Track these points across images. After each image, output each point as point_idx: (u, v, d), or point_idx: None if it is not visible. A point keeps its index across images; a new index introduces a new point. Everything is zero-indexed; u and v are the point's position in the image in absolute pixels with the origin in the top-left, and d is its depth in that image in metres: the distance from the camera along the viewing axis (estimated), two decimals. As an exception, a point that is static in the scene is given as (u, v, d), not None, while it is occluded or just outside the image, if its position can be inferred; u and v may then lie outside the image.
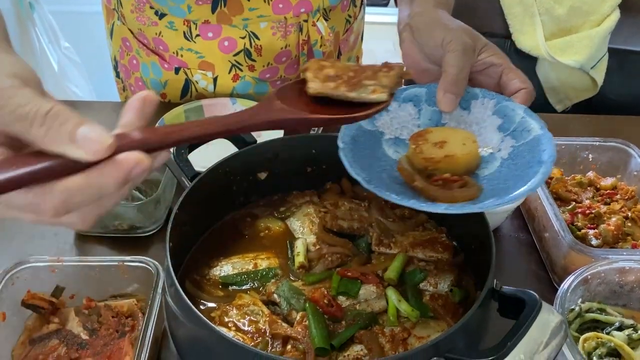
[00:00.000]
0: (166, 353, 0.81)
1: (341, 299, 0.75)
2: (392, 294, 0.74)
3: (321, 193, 0.93)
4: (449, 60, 0.78)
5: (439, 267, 0.79)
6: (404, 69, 0.66)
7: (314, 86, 0.61)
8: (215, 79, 1.28)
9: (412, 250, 0.80)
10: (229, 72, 1.26)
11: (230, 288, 0.79)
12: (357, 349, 0.68)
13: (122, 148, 0.45)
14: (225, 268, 0.82)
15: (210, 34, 1.20)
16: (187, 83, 1.30)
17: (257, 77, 1.27)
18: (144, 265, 0.79)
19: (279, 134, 1.19)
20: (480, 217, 0.74)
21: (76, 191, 0.45)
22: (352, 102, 0.62)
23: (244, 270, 0.81)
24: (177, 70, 1.28)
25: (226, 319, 0.73)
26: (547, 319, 0.59)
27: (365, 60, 1.61)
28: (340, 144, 0.73)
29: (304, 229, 0.87)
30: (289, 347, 0.69)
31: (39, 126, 0.43)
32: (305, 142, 0.92)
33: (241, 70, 1.26)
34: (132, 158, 0.45)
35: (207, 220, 0.88)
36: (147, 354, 0.69)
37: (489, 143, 0.77)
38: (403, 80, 0.66)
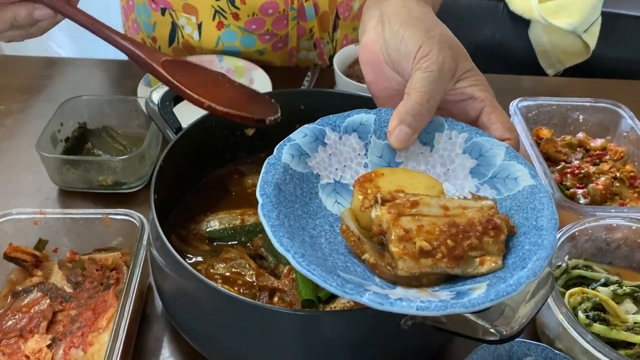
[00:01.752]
0: (152, 307, 0.80)
1: (328, 253, 0.74)
2: None
3: None
4: (417, 82, 0.59)
5: None
6: (508, 220, 0.52)
7: (407, 266, 0.49)
8: (199, 26, 1.26)
9: None
10: (213, 19, 1.24)
11: (216, 243, 0.78)
12: (343, 300, 0.68)
13: None
14: (212, 223, 0.81)
15: None
16: (174, 28, 1.29)
17: (242, 27, 1.25)
18: (128, 218, 0.78)
19: (267, 88, 1.17)
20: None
21: None
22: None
23: (231, 225, 0.80)
24: (163, 11, 1.26)
25: (213, 272, 0.72)
26: None
27: None
28: (259, 197, 0.54)
29: None
30: (275, 299, 0.69)
31: None
32: (294, 97, 0.90)
33: (225, 17, 1.23)
34: None
35: (192, 175, 0.87)
36: (131, 306, 0.68)
37: (459, 193, 0.60)
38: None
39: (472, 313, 0.50)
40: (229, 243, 0.78)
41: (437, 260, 0.49)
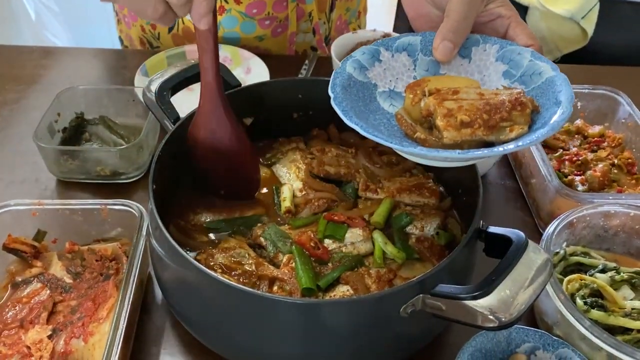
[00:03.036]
0: (152, 297, 0.81)
1: (327, 242, 0.74)
2: (378, 237, 0.74)
3: (307, 139, 0.92)
4: (454, 4, 0.70)
5: (425, 212, 0.79)
6: (533, 100, 0.65)
7: (451, 135, 0.61)
8: None
9: (398, 195, 0.80)
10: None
11: (215, 234, 0.78)
12: (343, 289, 0.68)
13: None
14: (210, 215, 0.80)
15: None
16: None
17: (243, 11, 1.24)
18: (127, 208, 0.78)
19: (264, 77, 1.17)
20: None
21: None
22: None
23: (230, 216, 0.80)
24: None
25: (212, 262, 0.72)
26: (533, 257, 0.59)
27: (370, 15, 1.58)
28: (331, 93, 0.67)
29: (290, 175, 0.86)
30: (275, 288, 0.69)
31: None
32: (292, 86, 0.90)
33: (227, 2, 1.23)
34: None
35: (191, 165, 0.86)
36: (131, 296, 0.68)
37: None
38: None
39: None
40: (228, 233, 0.78)
41: (475, 129, 0.61)
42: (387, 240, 0.73)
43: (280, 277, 0.69)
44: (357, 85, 0.71)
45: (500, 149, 0.60)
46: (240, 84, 0.87)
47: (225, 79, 0.85)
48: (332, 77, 0.69)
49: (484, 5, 0.73)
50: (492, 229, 0.65)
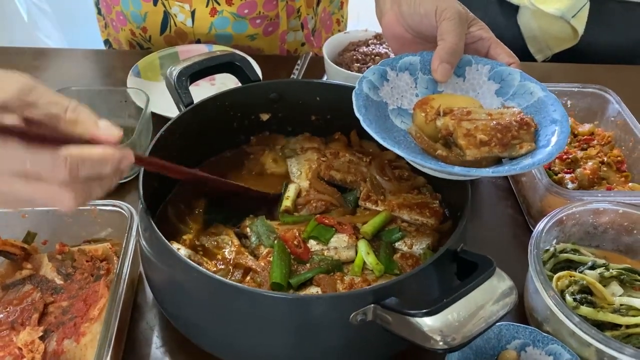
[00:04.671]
0: (143, 297, 0.81)
1: (312, 243, 0.75)
2: (362, 246, 0.74)
3: (329, 142, 0.92)
4: (447, 28, 0.75)
5: (420, 230, 0.78)
6: (532, 119, 0.71)
7: (472, 153, 0.68)
8: (193, 13, 1.25)
9: (398, 210, 0.79)
10: (207, 6, 1.24)
11: (210, 221, 0.79)
12: (313, 290, 0.68)
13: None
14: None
15: None
16: (166, 16, 1.28)
17: (235, 12, 1.25)
18: (117, 209, 0.78)
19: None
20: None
21: (87, 158, 0.51)
22: None
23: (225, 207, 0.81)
24: (155, 1, 1.26)
25: (197, 243, 0.74)
26: (495, 285, 0.59)
27: (363, 15, 1.59)
28: (358, 115, 0.70)
29: (301, 173, 0.87)
30: (248, 278, 0.70)
31: (72, 111, 0.52)
32: (309, 88, 0.90)
33: (218, 4, 1.24)
34: (127, 150, 0.55)
35: (201, 152, 0.87)
36: (122, 296, 0.68)
37: (490, 108, 0.77)
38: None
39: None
40: (222, 222, 0.79)
41: (492, 147, 0.68)
42: (371, 251, 0.73)
43: (254, 268, 0.70)
44: (374, 105, 0.74)
45: (526, 166, 0.66)
46: (259, 79, 0.88)
47: (246, 72, 0.87)
48: (353, 99, 0.72)
49: (467, 29, 0.79)
50: (465, 253, 0.65)
